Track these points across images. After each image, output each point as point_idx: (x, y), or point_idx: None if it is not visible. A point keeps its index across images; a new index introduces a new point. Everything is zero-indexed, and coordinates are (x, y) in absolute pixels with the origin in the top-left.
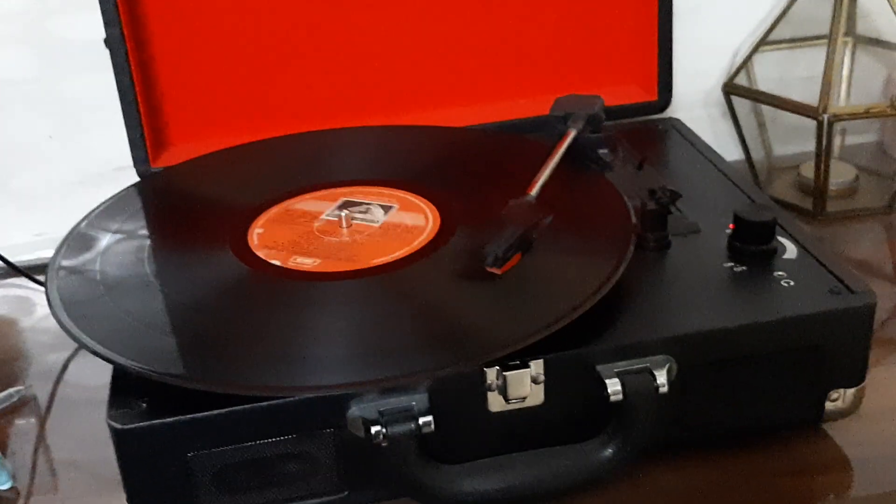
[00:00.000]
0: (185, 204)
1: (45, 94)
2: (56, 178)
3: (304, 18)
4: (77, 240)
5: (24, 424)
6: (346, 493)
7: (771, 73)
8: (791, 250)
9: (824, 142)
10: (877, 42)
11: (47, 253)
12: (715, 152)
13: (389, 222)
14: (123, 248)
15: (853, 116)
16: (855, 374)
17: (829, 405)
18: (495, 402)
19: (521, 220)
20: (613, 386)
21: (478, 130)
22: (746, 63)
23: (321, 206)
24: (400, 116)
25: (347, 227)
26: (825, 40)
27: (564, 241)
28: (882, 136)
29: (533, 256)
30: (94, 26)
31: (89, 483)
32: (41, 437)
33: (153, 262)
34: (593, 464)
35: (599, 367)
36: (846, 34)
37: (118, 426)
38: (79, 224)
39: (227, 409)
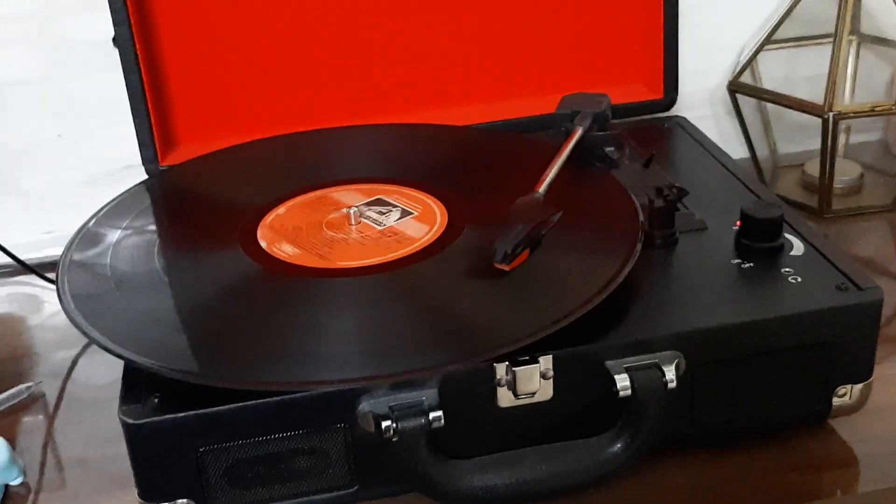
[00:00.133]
0: (194, 201)
1: (55, 94)
2: (65, 178)
3: (312, 17)
4: (87, 237)
5: (33, 421)
6: (356, 487)
7: (776, 72)
8: (798, 247)
9: (829, 140)
10: (881, 41)
11: (56, 251)
12: (721, 150)
13: (392, 228)
14: (133, 244)
15: (858, 114)
16: (862, 370)
17: (836, 401)
18: (504, 398)
19: (530, 217)
20: (622, 381)
21: (484, 129)
22: (751, 62)
23: (348, 199)
24: (407, 115)
25: (356, 224)
26: (830, 39)
27: (572, 239)
28: (886, 135)
29: (541, 253)
30: (102, 26)
31: (98, 480)
32: (50, 434)
33: (163, 258)
34: (602, 459)
35: (608, 363)
36: (851, 33)
37: (130, 421)
38: (89, 221)
39: (238, 405)
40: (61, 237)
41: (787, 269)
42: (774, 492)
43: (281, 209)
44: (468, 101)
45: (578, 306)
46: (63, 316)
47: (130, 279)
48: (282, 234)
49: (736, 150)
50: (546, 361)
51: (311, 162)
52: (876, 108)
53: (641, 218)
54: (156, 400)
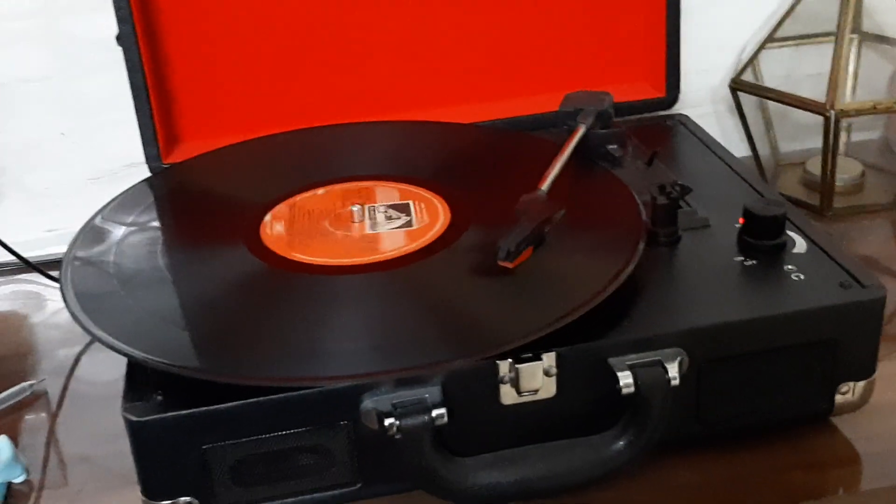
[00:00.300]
0: (197, 198)
1: (58, 92)
2: (68, 175)
3: (315, 14)
4: (90, 234)
5: (36, 419)
6: (359, 485)
7: (777, 71)
8: (801, 245)
9: (831, 138)
10: (882, 39)
11: (59, 249)
12: (723, 148)
13: (377, 235)
14: (137, 241)
15: (860, 112)
16: (865, 368)
17: (839, 398)
18: (508, 395)
19: (533, 214)
20: (625, 379)
21: (487, 127)
22: (753, 60)
23: (384, 195)
24: (410, 113)
25: (358, 223)
26: (831, 37)
27: (576, 237)
28: (887, 133)
29: (544, 251)
30: (106, 24)
31: (101, 477)
32: (53, 432)
33: (167, 255)
34: (606, 456)
35: (611, 360)
36: (853, 31)
37: (134, 419)
38: (92, 218)
39: (241, 402)
40: (64, 235)
41: (790, 267)
42: (777, 490)
43: (320, 190)
44: (471, 99)
45: (581, 304)
46: (66, 313)
47: (133, 276)
48: (294, 214)
49: (737, 148)
50: (549, 358)
51: (314, 159)
52: (878, 106)
53: (644, 216)
54: (159, 397)
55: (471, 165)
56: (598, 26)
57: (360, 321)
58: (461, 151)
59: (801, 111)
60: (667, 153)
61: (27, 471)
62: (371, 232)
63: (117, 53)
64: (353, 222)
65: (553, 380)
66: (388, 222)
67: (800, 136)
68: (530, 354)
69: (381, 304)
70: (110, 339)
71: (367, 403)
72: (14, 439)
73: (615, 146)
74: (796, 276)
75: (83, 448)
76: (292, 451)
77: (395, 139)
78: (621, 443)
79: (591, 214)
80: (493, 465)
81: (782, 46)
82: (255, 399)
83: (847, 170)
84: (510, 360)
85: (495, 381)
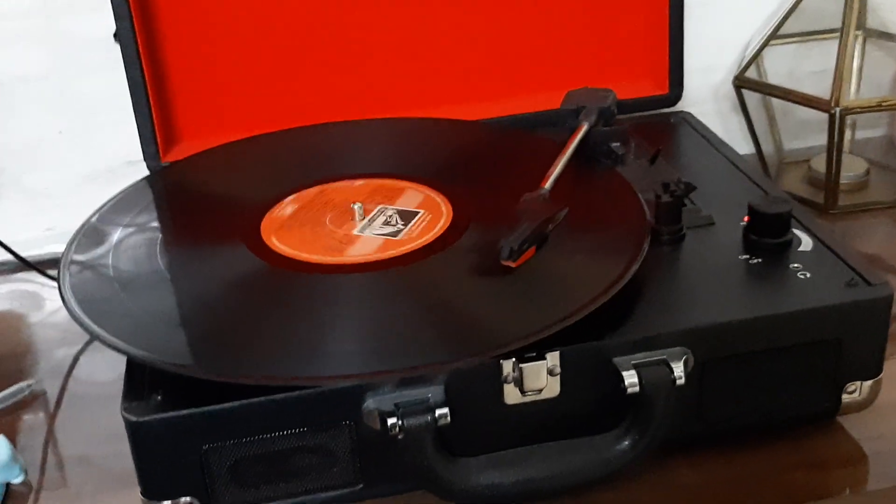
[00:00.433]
0: (196, 196)
1: (57, 91)
2: (66, 174)
3: (315, 14)
4: (89, 233)
5: (34, 419)
6: (361, 486)
7: (781, 68)
8: (806, 242)
9: (836, 135)
10: (887, 36)
11: (58, 248)
12: (727, 145)
13: (359, 236)
14: (136, 241)
15: (865, 109)
16: (872, 367)
17: (845, 398)
18: (511, 395)
19: (536, 213)
20: (630, 378)
21: (489, 125)
22: (757, 57)
23: (410, 200)
24: (411, 111)
25: (357, 221)
26: (835, 34)
27: (579, 236)
28: (892, 130)
29: (548, 250)
30: (104, 23)
31: (99, 478)
32: (51, 432)
33: (166, 254)
34: (610, 456)
35: (616, 360)
36: (857, 28)
37: (133, 418)
38: (91, 217)
39: (242, 402)
40: (63, 234)
41: (795, 265)
42: (783, 490)
43: (358, 182)
44: (472, 98)
45: (586, 304)
46: (64, 313)
47: (133, 276)
48: (314, 199)
49: (741, 146)
50: (553, 358)
51: (314, 157)
52: (883, 104)
53: (648, 214)
54: (159, 397)
55: (472, 163)
56: (601, 23)
57: (363, 320)
58: (462, 149)
59: (804, 108)
60: (670, 151)
61: (25, 471)
62: (356, 233)
63: (116, 52)
64: (353, 220)
65: (557, 379)
66: (382, 228)
67: (803, 133)
68: (534, 354)
69: (384, 304)
70: (110, 338)
71: (370, 403)
72: (12, 439)
73: (618, 144)
74: (802, 275)
75: (81, 449)
76: (293, 451)
77: (397, 136)
78: (625, 443)
79: (594, 213)
80: (496, 465)
81: (786, 43)
82: (256, 399)
83: (851, 167)
84: (514, 359)
85: (499, 381)
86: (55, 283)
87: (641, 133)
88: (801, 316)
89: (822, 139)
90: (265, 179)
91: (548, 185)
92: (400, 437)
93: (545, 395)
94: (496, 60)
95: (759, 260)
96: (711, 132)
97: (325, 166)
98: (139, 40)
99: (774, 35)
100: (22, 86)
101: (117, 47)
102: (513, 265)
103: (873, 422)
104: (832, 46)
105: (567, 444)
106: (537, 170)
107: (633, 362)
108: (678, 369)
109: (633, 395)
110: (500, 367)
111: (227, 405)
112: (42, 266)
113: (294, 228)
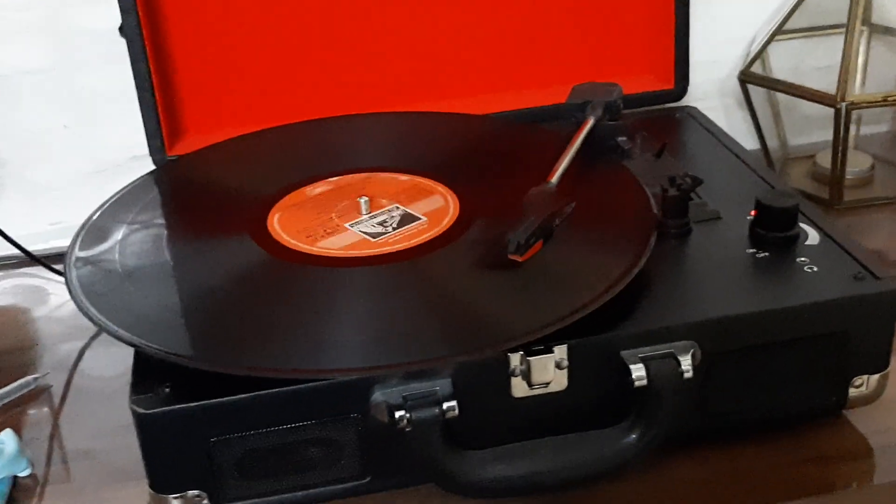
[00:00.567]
0: (202, 190)
1: (61, 85)
2: (72, 168)
3: (322, 7)
4: (95, 227)
5: (39, 413)
6: (368, 478)
7: (786, 63)
8: (813, 236)
9: (841, 130)
10: (892, 31)
11: (63, 242)
12: (733, 140)
13: (346, 230)
14: (142, 234)
15: (870, 105)
16: (879, 361)
17: (852, 392)
18: (519, 388)
19: (543, 207)
20: (638, 371)
21: (495, 119)
22: (762, 52)
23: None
24: (417, 105)
25: (363, 214)
26: (840, 30)
27: (586, 230)
28: None
29: (554, 245)
30: (109, 16)
31: (105, 472)
32: (56, 426)
33: (173, 247)
34: (618, 450)
35: (623, 353)
36: (863, 23)
37: (141, 411)
38: (96, 211)
39: (250, 394)
40: (68, 228)
41: (802, 259)
42: (789, 484)
43: (403, 176)
44: (478, 91)
45: (594, 298)
46: (69, 307)
47: (139, 269)
48: (333, 187)
49: (746, 141)
50: (561, 351)
51: (319, 151)
52: (888, 99)
53: (654, 208)
54: (167, 390)
55: (479, 157)
56: (607, 18)
57: (371, 313)
58: (469, 143)
59: (809, 104)
60: (676, 145)
61: (32, 464)
62: (347, 226)
63: (120, 45)
64: (357, 212)
65: (564, 372)
66: (373, 226)
67: (807, 129)
68: (542, 347)
69: (392, 297)
70: (118, 330)
71: (378, 396)
72: (17, 433)
73: (624, 138)
74: (809, 269)
75: (87, 442)
76: (301, 444)
77: (402, 130)
78: (632, 436)
79: (601, 207)
80: (503, 458)
81: (791, 38)
82: (263, 392)
83: (857, 163)
84: (521, 352)
85: (506, 374)
86: (61, 278)
87: (647, 128)
88: (808, 309)
89: (827, 134)
90: (271, 173)
91: (554, 179)
92: (408, 429)
93: (553, 388)
94: (502, 55)
95: (766, 254)
96: (717, 127)
97: (329, 160)
98: (144, 34)
99: (780, 30)
100: (26, 78)
101: (122, 40)
102: (520, 259)
103: (880, 416)
104: (838, 42)
105: (574, 437)
106: (543, 164)
107: (640, 355)
108: (686, 362)
109: (641, 388)
110: (507, 361)
111: (234, 398)
112: (48, 260)
113: (305, 209)
